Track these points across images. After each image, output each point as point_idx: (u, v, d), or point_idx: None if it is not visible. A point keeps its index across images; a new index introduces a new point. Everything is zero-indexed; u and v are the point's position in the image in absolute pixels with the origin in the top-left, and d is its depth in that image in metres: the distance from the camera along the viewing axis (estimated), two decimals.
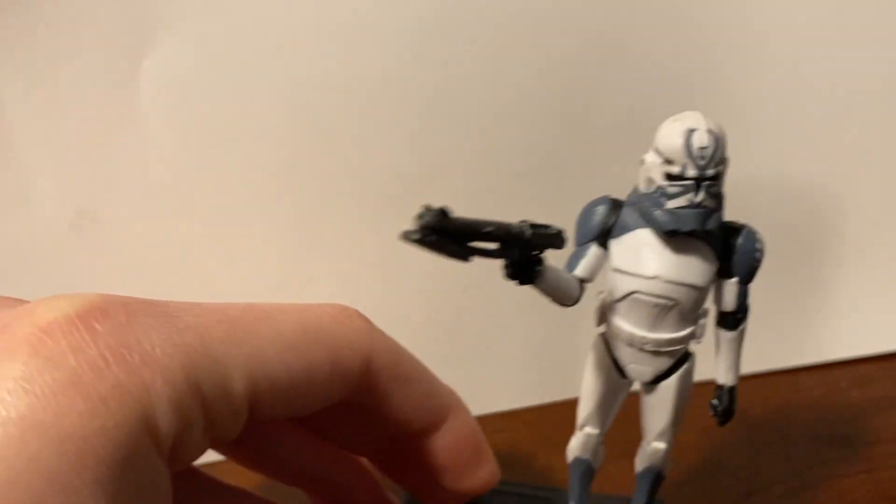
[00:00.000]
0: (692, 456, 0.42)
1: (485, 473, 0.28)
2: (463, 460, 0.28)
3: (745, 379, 0.47)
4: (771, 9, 0.41)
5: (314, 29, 0.39)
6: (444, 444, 0.27)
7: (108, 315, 0.18)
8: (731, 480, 0.41)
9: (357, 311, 0.25)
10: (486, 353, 0.46)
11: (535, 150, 0.43)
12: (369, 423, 0.27)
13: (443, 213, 0.23)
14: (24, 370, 0.16)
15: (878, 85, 0.44)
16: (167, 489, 0.18)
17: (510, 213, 0.27)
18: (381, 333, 0.25)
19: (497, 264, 0.28)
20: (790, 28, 0.42)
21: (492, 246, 0.25)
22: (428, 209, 0.23)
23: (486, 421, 0.45)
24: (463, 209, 0.27)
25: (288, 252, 0.43)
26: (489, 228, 0.24)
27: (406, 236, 0.23)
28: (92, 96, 0.39)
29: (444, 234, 0.23)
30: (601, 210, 0.29)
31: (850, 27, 0.42)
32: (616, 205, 0.29)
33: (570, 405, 0.47)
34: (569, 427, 0.44)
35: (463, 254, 0.24)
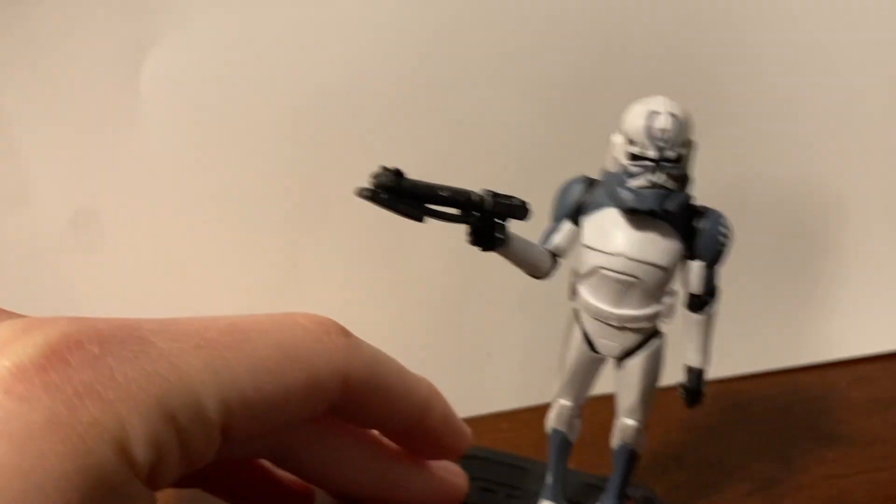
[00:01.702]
0: (692, 456, 0.42)
1: (462, 444, 0.29)
2: (443, 442, 0.28)
3: (745, 379, 0.48)
4: (770, 9, 0.41)
5: (315, 29, 0.39)
6: (422, 433, 0.27)
7: (81, 346, 0.18)
8: (731, 480, 0.41)
9: (335, 325, 0.25)
10: (486, 353, 0.46)
11: (535, 154, 0.43)
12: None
13: (397, 174, 0.24)
14: (0, 414, 0.16)
15: (879, 84, 0.44)
16: None
17: None
18: (359, 347, 0.25)
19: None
20: (790, 28, 0.42)
21: (453, 211, 0.25)
22: (384, 169, 0.24)
23: (486, 421, 0.45)
24: None
25: (289, 251, 0.43)
26: (444, 193, 0.25)
27: (360, 193, 0.24)
28: (92, 95, 0.39)
29: (399, 195, 0.24)
30: (576, 188, 0.30)
31: (850, 26, 0.42)
32: (591, 183, 0.30)
33: None
34: None
35: (416, 214, 0.25)
